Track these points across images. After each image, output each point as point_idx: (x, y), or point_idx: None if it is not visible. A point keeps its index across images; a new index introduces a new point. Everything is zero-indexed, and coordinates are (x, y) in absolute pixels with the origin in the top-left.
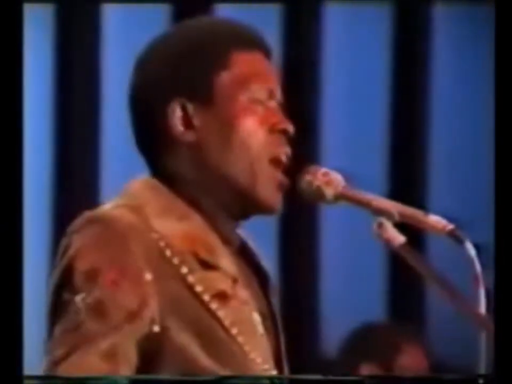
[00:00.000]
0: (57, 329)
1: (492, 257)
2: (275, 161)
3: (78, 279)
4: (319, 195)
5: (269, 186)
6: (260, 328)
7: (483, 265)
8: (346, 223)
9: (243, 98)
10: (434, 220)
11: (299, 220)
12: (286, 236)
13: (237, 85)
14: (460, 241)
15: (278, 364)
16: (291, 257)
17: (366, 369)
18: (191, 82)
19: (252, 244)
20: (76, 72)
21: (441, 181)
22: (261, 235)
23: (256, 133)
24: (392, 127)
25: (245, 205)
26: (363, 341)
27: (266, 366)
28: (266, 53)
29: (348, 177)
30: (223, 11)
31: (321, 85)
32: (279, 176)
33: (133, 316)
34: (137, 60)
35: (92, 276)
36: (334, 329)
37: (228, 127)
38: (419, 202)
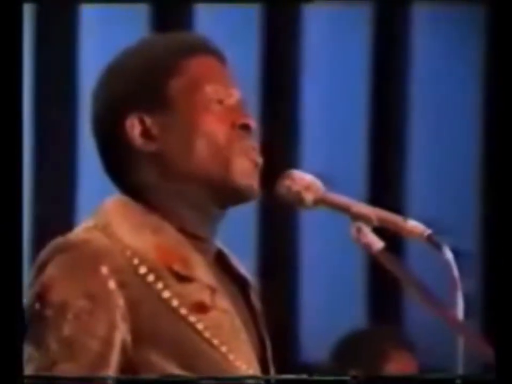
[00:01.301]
0: (31, 362)
1: (484, 259)
2: (240, 155)
3: (48, 312)
4: (298, 200)
5: (241, 173)
6: (243, 335)
7: (461, 270)
8: (325, 228)
9: (199, 100)
10: (413, 225)
11: (278, 225)
12: (265, 241)
13: (191, 88)
14: (438, 246)
15: (264, 369)
16: (270, 263)
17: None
18: (145, 95)
19: (228, 251)
20: (53, 72)
21: (421, 185)
22: (239, 239)
23: (217, 130)
24: (372, 130)
25: (221, 195)
26: (350, 349)
27: (251, 372)
28: (218, 57)
29: (327, 182)
30: (202, 11)
31: (300, 86)
32: (249, 165)
33: (103, 347)
34: (94, 84)
35: (62, 309)
36: (315, 334)
37: (188, 129)
38: (398, 207)
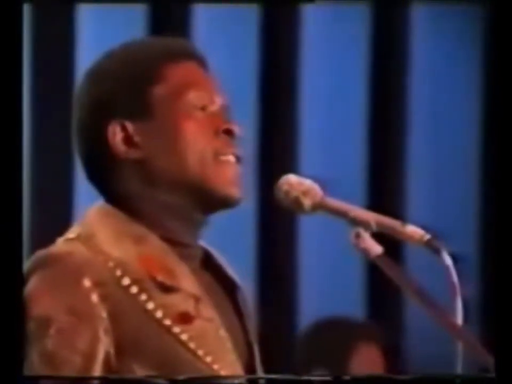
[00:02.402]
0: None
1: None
2: (223, 161)
3: (31, 326)
4: (297, 205)
5: (222, 180)
6: (228, 344)
7: (460, 275)
8: (323, 233)
9: (182, 107)
10: (412, 230)
11: (276, 230)
12: (263, 246)
13: (173, 95)
14: (437, 251)
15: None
16: (268, 268)
17: (317, 369)
18: (127, 102)
19: (216, 254)
20: (50, 74)
21: (420, 190)
22: (237, 245)
23: (200, 137)
24: (371, 133)
25: (204, 203)
26: (316, 340)
27: (236, 381)
28: (200, 62)
29: (325, 186)
30: (200, 12)
31: (299, 87)
32: (232, 172)
33: (85, 361)
34: (76, 90)
35: (44, 323)
36: None
37: (171, 136)
38: (397, 212)
